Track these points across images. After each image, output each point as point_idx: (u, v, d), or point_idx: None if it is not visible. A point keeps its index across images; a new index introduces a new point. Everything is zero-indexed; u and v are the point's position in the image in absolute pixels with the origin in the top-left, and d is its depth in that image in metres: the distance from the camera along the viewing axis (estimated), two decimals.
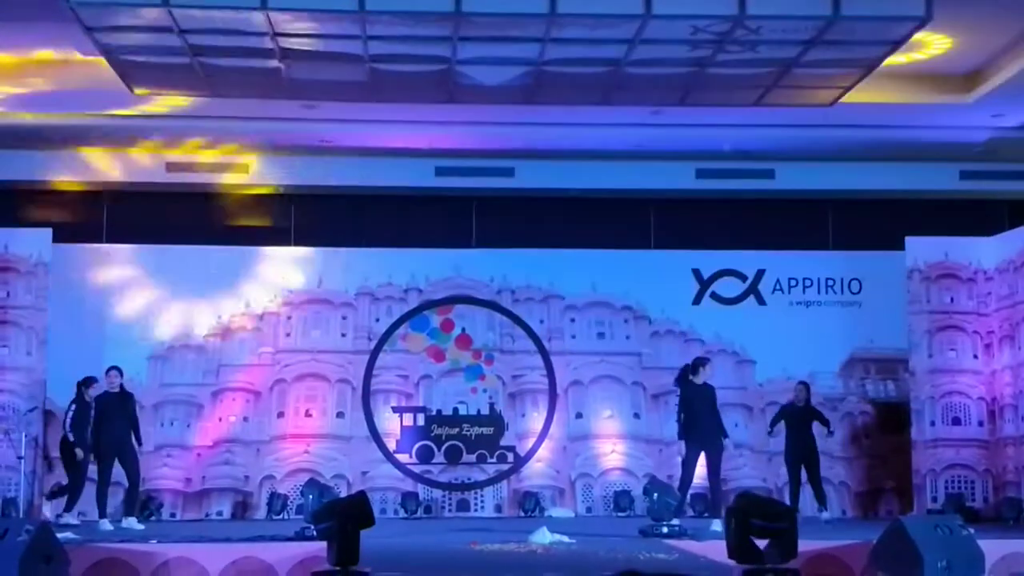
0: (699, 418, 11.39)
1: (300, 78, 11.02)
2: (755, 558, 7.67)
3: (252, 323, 14.05)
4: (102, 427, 11.67)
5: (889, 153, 13.48)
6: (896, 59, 10.68)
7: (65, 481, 12.34)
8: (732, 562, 7.88)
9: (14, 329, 12.96)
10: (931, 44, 10.99)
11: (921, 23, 9.61)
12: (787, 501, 11.89)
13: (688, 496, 12.23)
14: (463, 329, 14.27)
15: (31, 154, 13.26)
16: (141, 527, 11.43)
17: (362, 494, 8.12)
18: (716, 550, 9.02)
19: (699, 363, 11.69)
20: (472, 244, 14.42)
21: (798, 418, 12.55)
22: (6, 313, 12.96)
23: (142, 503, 12.65)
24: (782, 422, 12.62)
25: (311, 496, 10.15)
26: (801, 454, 12.48)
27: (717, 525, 11.04)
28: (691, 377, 11.55)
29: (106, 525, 11.39)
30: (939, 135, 12.82)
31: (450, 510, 13.88)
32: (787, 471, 12.61)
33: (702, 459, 11.42)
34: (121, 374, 11.91)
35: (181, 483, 13.59)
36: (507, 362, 14.23)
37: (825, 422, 12.62)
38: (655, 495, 10.80)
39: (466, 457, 13.99)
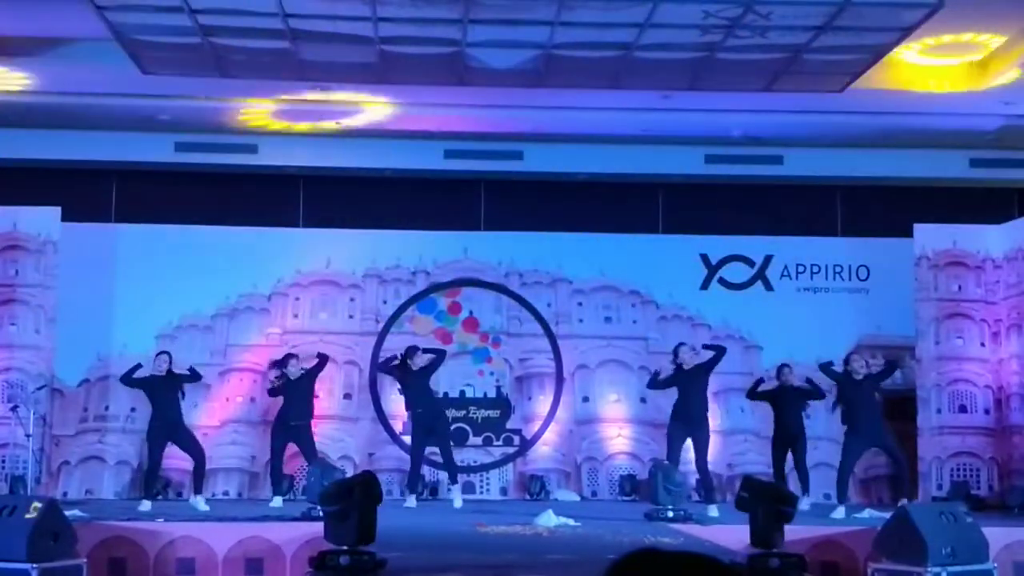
0: (686, 403, 11.71)
1: (310, 59, 11.02)
2: (776, 544, 7.76)
3: (260, 304, 14.08)
4: (153, 411, 11.89)
5: (899, 140, 13.43)
6: (907, 45, 10.65)
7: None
8: (742, 546, 7.93)
9: (22, 307, 12.98)
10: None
11: (933, 9, 9.57)
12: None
13: (694, 481, 12.30)
14: (470, 312, 14.27)
15: (40, 132, 13.24)
16: (206, 508, 11.47)
17: (368, 473, 8.16)
18: (720, 535, 9.07)
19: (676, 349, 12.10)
20: (480, 227, 14.40)
21: (785, 400, 12.29)
22: (15, 291, 12.98)
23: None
24: (767, 403, 12.49)
25: (315, 477, 10.19)
26: (788, 438, 12.20)
27: (713, 510, 11.15)
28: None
29: (145, 505, 11.52)
30: (949, 122, 12.77)
31: None
32: (772, 455, 12.29)
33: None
34: (170, 358, 12.02)
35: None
36: (514, 345, 14.22)
37: (815, 395, 12.31)
38: (660, 477, 10.86)
39: (472, 440, 14.00)
